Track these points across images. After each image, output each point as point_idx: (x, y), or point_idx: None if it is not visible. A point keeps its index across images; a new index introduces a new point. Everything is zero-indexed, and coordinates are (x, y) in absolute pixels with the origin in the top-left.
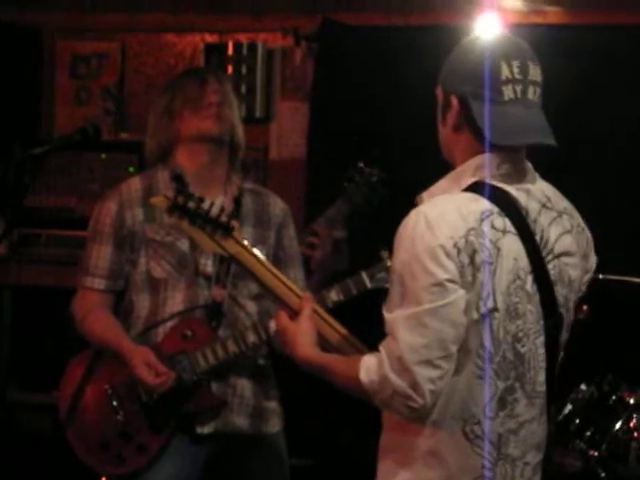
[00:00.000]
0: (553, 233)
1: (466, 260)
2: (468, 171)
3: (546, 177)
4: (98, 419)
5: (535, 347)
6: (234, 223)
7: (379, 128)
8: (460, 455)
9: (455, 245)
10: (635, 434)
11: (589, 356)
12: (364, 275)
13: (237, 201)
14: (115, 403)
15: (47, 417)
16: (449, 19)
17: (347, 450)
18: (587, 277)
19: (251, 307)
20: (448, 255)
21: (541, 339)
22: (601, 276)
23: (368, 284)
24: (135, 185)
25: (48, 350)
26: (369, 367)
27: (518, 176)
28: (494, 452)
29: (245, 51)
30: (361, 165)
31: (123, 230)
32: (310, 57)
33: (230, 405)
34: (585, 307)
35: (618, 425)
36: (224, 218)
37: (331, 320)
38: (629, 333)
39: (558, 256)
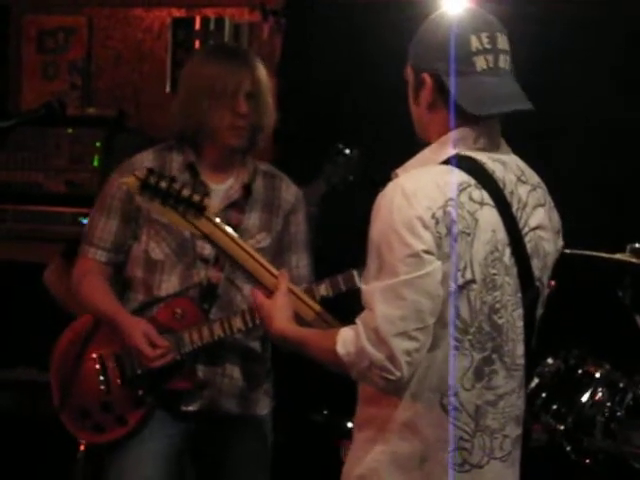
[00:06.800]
0: (529, 206)
1: (444, 231)
2: (446, 145)
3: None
4: (83, 387)
5: (513, 319)
6: (207, 202)
7: (347, 104)
8: (437, 427)
9: (433, 216)
10: (601, 407)
11: (556, 330)
12: (355, 273)
13: (248, 185)
14: (101, 373)
15: (11, 393)
16: None
17: (320, 428)
18: (556, 257)
19: (248, 290)
20: (425, 226)
21: (519, 312)
22: (567, 251)
23: (358, 282)
24: (148, 162)
25: (15, 326)
26: (346, 339)
27: (494, 149)
28: (472, 424)
29: (212, 26)
30: (340, 146)
31: (132, 205)
32: (277, 32)
33: (218, 386)
34: (552, 282)
35: (584, 399)
36: (196, 197)
37: (306, 298)
38: (595, 307)
39: (534, 229)
